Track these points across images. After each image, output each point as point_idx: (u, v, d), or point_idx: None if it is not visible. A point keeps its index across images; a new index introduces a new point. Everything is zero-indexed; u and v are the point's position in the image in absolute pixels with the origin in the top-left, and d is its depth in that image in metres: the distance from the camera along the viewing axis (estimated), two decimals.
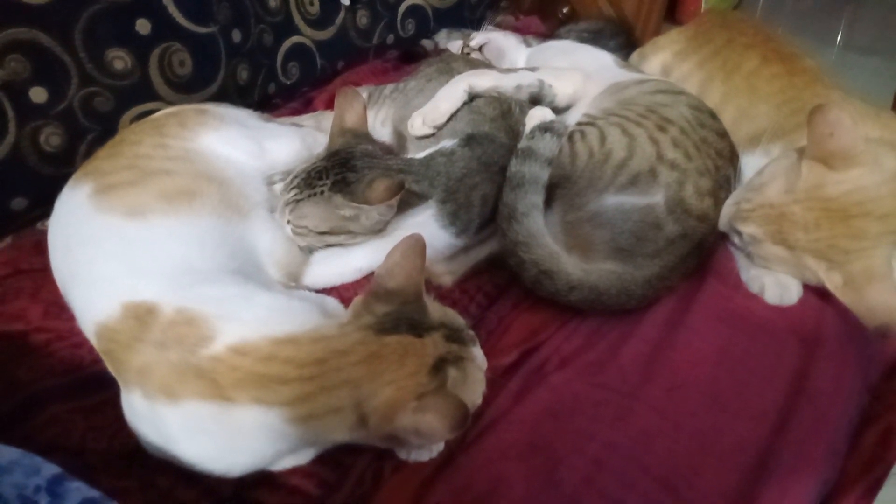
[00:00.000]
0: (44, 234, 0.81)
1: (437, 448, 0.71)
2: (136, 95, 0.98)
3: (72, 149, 0.94)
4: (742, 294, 0.88)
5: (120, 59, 0.95)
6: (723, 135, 0.92)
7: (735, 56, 1.10)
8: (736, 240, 0.89)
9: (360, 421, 0.61)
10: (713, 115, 0.94)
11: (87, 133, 0.95)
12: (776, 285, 0.86)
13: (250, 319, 0.65)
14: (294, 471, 0.68)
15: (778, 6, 3.12)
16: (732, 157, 0.92)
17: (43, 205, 0.85)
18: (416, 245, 0.68)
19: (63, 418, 0.71)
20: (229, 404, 0.60)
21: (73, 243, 0.75)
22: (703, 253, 0.88)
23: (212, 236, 0.76)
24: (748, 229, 0.85)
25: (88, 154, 0.88)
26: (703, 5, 2.56)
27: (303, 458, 0.68)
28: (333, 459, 0.69)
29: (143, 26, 0.97)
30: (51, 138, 0.92)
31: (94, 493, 0.52)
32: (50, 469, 0.53)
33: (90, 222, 0.74)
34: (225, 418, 0.61)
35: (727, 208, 0.87)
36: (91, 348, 0.71)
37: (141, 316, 0.65)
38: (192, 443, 0.62)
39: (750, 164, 0.94)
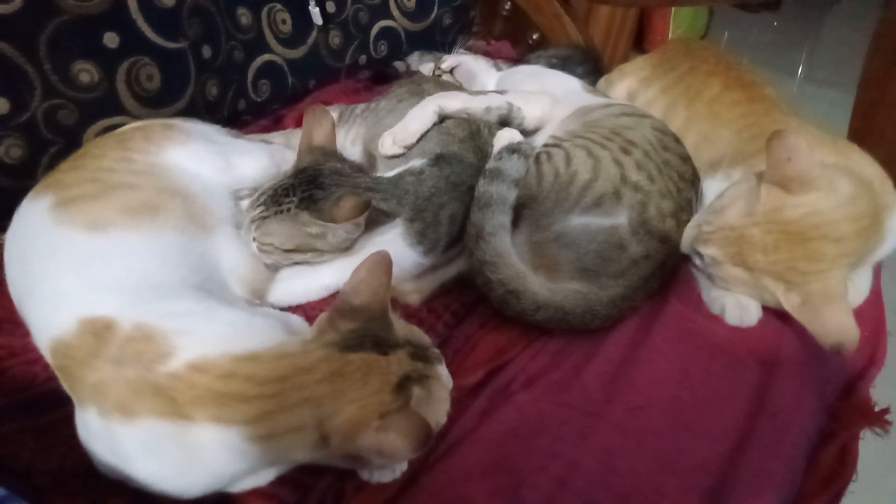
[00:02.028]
0: (0, 247, 0.79)
1: (401, 468, 0.70)
2: (102, 109, 0.97)
3: (33, 161, 0.92)
4: (703, 315, 0.89)
5: (86, 72, 0.94)
6: (685, 158, 0.94)
7: (697, 83, 1.13)
8: (697, 261, 0.90)
9: (321, 440, 0.60)
10: (676, 139, 0.97)
11: (50, 146, 0.93)
12: (736, 307, 0.88)
13: (210, 336, 0.64)
14: (253, 492, 0.66)
15: (742, 38, 3.23)
16: (694, 181, 0.94)
17: (1, 218, 0.82)
18: (383, 262, 0.68)
19: (12, 438, 0.69)
20: (187, 422, 0.59)
21: (31, 257, 0.73)
22: (665, 274, 0.90)
23: (174, 251, 0.75)
24: (709, 251, 0.86)
25: (50, 167, 0.86)
26: (669, 35, 2.65)
27: (262, 478, 0.66)
28: (294, 480, 0.67)
29: (111, 40, 0.96)
30: (11, 150, 0.90)
31: None
32: None
33: (49, 235, 0.73)
34: (182, 437, 0.59)
35: (689, 230, 0.89)
36: (46, 365, 0.69)
37: (98, 331, 0.64)
38: (148, 462, 0.61)
39: (711, 187, 0.96)
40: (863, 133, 1.44)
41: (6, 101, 0.88)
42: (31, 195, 0.78)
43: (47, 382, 0.70)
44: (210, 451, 0.60)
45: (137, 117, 0.99)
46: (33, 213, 0.76)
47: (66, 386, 0.66)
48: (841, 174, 0.85)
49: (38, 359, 0.71)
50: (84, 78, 0.94)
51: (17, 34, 0.87)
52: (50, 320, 0.67)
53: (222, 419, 0.59)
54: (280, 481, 0.67)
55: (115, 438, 0.61)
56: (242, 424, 0.59)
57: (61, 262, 0.70)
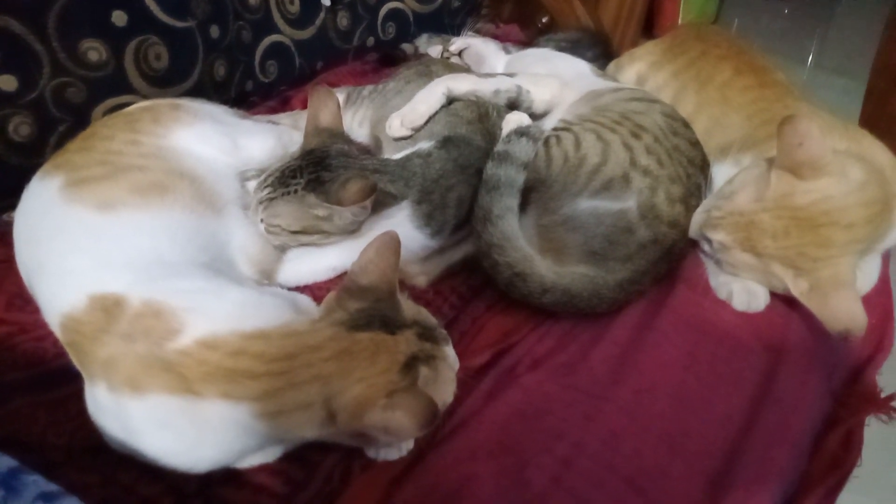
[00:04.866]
0: (9, 225, 0.79)
1: (407, 446, 0.70)
2: (110, 88, 0.97)
3: (41, 139, 0.92)
4: (710, 300, 0.89)
5: (94, 51, 0.94)
6: (695, 143, 0.94)
7: (708, 67, 1.12)
8: (706, 247, 0.90)
9: (329, 418, 0.61)
10: (686, 124, 0.96)
11: (58, 124, 0.93)
12: (744, 292, 0.88)
13: (220, 313, 0.64)
14: (261, 468, 0.67)
15: (752, 24, 3.20)
16: (704, 166, 0.94)
17: (9, 196, 0.82)
18: (391, 242, 0.68)
19: (24, 413, 0.69)
20: (196, 398, 0.59)
21: (41, 234, 0.73)
22: (673, 259, 0.89)
23: (183, 230, 0.75)
24: (718, 236, 0.86)
25: (59, 145, 0.86)
26: (679, 21, 2.62)
27: (270, 455, 0.67)
28: (301, 457, 0.68)
29: (119, 18, 0.96)
30: (20, 128, 0.90)
31: (51, 486, 0.51)
32: (6, 462, 0.51)
33: (59, 214, 0.73)
34: (191, 413, 0.60)
35: (697, 216, 0.89)
36: (55, 341, 0.70)
37: (108, 308, 0.64)
38: (157, 437, 0.61)
39: (721, 172, 0.95)
40: (875, 119, 1.43)
41: (15, 79, 0.88)
42: (40, 174, 0.78)
43: (57, 358, 0.71)
44: (219, 426, 0.61)
45: (145, 96, 0.99)
46: (43, 191, 0.76)
47: (76, 362, 0.66)
48: (852, 160, 0.84)
49: (48, 335, 0.71)
50: (92, 56, 0.94)
51: (25, 11, 0.87)
52: (60, 297, 0.68)
53: (231, 395, 0.59)
54: (287, 458, 0.68)
55: (124, 414, 0.61)
56: (251, 401, 0.60)
57: (72, 239, 0.71)
